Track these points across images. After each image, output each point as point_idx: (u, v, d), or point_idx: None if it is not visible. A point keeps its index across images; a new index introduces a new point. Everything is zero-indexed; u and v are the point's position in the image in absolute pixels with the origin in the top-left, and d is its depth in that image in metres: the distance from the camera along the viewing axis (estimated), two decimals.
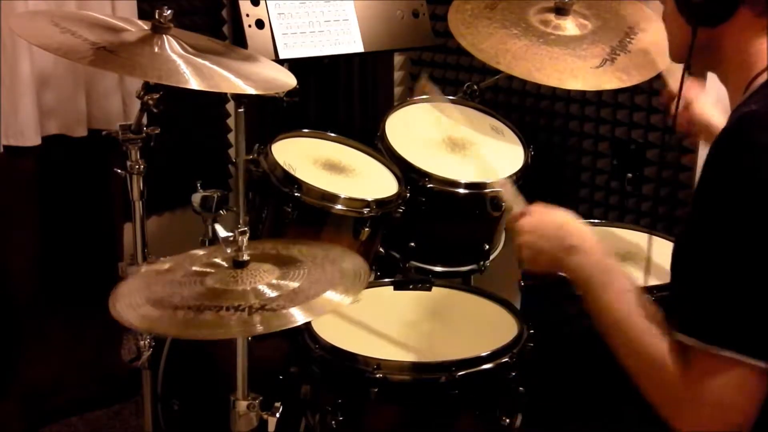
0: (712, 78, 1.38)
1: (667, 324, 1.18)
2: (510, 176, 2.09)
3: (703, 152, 2.39)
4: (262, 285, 1.46)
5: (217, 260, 1.56)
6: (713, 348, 1.08)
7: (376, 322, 1.90)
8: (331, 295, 1.45)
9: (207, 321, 1.37)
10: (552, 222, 1.44)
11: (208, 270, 1.53)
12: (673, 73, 1.93)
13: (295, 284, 1.47)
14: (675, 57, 1.36)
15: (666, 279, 1.84)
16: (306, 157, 2.10)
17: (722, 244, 1.08)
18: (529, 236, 1.43)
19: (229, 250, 1.50)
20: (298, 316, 1.39)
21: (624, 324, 1.22)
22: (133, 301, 1.46)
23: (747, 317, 1.07)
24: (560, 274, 1.40)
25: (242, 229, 1.47)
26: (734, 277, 1.07)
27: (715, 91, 1.80)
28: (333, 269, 1.55)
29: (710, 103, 1.84)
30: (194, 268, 1.56)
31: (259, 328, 1.37)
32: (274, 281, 1.47)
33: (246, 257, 1.49)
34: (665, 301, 1.85)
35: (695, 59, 1.28)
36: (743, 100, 1.20)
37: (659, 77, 2.03)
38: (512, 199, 1.60)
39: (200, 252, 1.70)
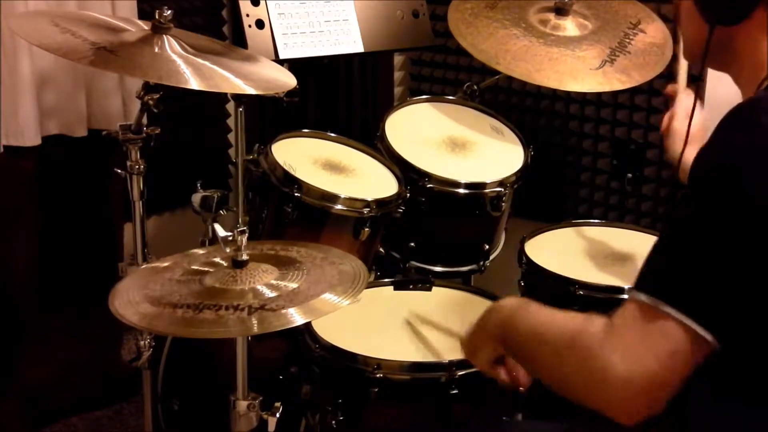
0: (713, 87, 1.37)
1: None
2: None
3: None
4: (261, 285, 1.46)
5: (217, 260, 1.56)
6: (658, 302, 1.04)
7: (376, 322, 1.90)
8: (330, 297, 1.45)
9: (206, 320, 1.38)
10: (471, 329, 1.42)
11: (207, 269, 1.53)
12: (682, 68, 1.92)
13: (294, 285, 1.47)
14: (689, 56, 1.36)
15: None
16: (306, 157, 2.10)
17: (707, 215, 1.06)
18: (464, 339, 1.42)
19: (228, 250, 1.50)
20: (297, 317, 1.39)
21: (542, 325, 1.19)
22: (132, 299, 1.46)
23: (705, 286, 1.04)
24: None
25: (241, 229, 1.47)
26: (707, 248, 1.05)
27: (707, 116, 1.81)
28: (332, 270, 1.55)
29: (697, 124, 1.83)
30: (193, 267, 1.56)
31: (258, 328, 1.37)
32: (273, 281, 1.47)
33: (245, 257, 1.49)
34: None
35: (710, 58, 1.28)
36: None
37: (671, 66, 2.02)
38: None
39: (199, 251, 1.70)
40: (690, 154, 1.74)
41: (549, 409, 1.47)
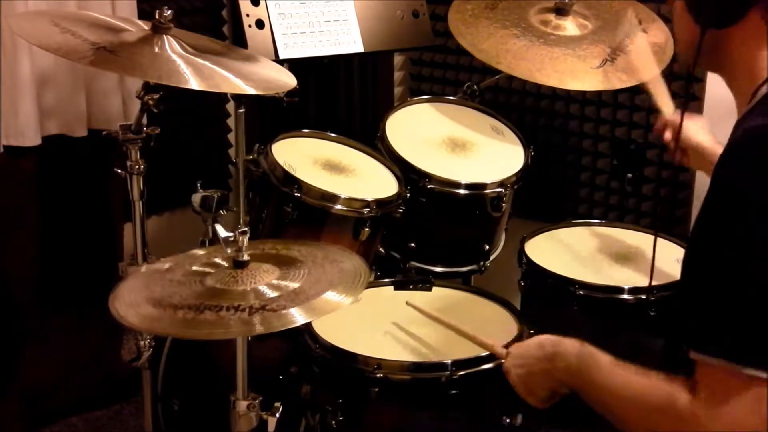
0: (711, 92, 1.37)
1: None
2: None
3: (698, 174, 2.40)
4: (262, 285, 1.46)
5: (217, 260, 1.56)
6: (736, 366, 1.06)
7: (376, 322, 1.90)
8: (331, 296, 1.45)
9: (207, 321, 1.37)
10: (530, 346, 1.47)
11: (208, 270, 1.53)
12: (657, 85, 1.93)
13: (295, 285, 1.47)
14: (683, 58, 1.36)
15: (666, 280, 1.85)
16: (306, 157, 2.10)
17: (735, 262, 1.06)
18: (518, 369, 1.45)
19: (229, 250, 1.50)
20: (298, 317, 1.39)
21: (623, 388, 1.21)
22: (133, 301, 1.46)
23: (762, 332, 1.05)
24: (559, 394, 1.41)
25: (242, 229, 1.47)
26: (748, 294, 1.05)
27: (708, 116, 1.81)
28: (333, 269, 1.55)
29: (700, 126, 1.84)
30: (194, 268, 1.56)
31: (259, 329, 1.37)
32: (274, 281, 1.47)
33: (246, 257, 1.49)
34: (666, 301, 1.86)
35: (702, 59, 1.28)
36: (748, 110, 1.19)
37: (642, 89, 2.03)
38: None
39: (200, 252, 1.70)
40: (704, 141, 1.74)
41: (548, 412, 1.47)
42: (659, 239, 2.18)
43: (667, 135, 1.86)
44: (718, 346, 1.08)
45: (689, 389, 1.12)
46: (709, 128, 1.83)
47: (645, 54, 1.97)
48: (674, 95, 1.97)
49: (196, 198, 2.11)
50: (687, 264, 1.15)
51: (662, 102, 1.90)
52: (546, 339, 1.43)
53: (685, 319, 1.13)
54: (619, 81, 2.12)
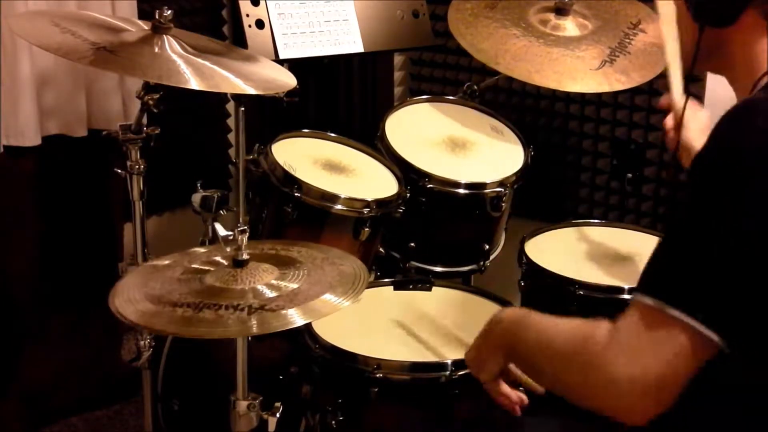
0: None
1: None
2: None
3: None
4: (261, 285, 1.46)
5: (217, 258, 1.56)
6: (665, 306, 1.04)
7: (376, 322, 1.90)
8: (330, 297, 1.45)
9: (206, 319, 1.37)
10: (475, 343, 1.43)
11: (207, 268, 1.53)
12: (675, 63, 1.91)
13: (294, 285, 1.47)
14: (683, 56, 1.36)
15: None
16: (306, 157, 2.10)
17: (707, 215, 1.06)
18: (470, 349, 1.42)
19: (228, 249, 1.50)
20: (296, 318, 1.39)
21: (547, 332, 1.20)
22: (132, 297, 1.46)
23: (708, 286, 1.04)
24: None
25: (242, 228, 1.47)
26: (711, 248, 1.05)
27: (706, 116, 1.81)
28: (332, 271, 1.55)
29: (698, 129, 1.83)
30: (194, 266, 1.56)
31: (258, 329, 1.37)
32: (274, 281, 1.47)
33: (245, 256, 1.49)
34: None
35: (703, 60, 1.28)
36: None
37: (663, 75, 2.02)
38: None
39: (200, 250, 1.70)
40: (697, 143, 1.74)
41: (543, 405, 1.47)
42: (659, 239, 2.19)
43: (669, 122, 1.84)
44: (653, 286, 1.08)
45: (611, 324, 1.10)
46: (709, 127, 1.82)
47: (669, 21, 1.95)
48: None
49: (196, 198, 2.11)
50: (667, 222, 1.15)
51: (674, 82, 1.89)
52: (492, 315, 1.41)
53: (644, 270, 1.12)
54: (618, 83, 2.12)
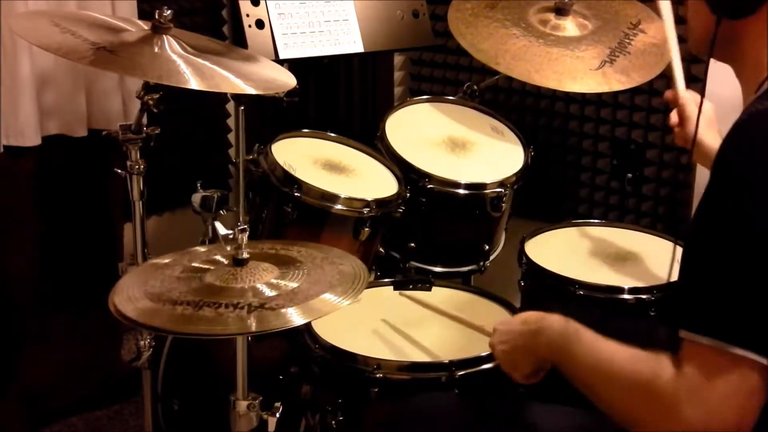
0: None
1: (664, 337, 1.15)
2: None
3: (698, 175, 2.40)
4: (261, 284, 1.46)
5: (217, 257, 1.56)
6: (724, 345, 1.04)
7: (376, 322, 1.90)
8: (330, 297, 1.45)
9: (205, 317, 1.37)
10: (514, 322, 1.46)
11: (207, 267, 1.53)
12: (677, 58, 1.91)
13: (294, 284, 1.47)
14: (695, 48, 1.36)
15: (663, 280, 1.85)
16: (306, 157, 2.11)
17: (735, 241, 1.06)
18: (503, 345, 1.45)
19: (228, 248, 1.50)
20: (295, 317, 1.39)
21: (605, 362, 1.19)
22: (132, 295, 1.46)
23: (755, 314, 1.04)
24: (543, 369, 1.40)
25: (242, 227, 1.47)
26: (745, 273, 1.05)
27: (711, 108, 1.80)
28: (332, 271, 1.55)
29: (704, 122, 1.83)
30: (194, 265, 1.56)
31: (257, 327, 1.37)
32: (273, 281, 1.47)
33: (245, 255, 1.49)
34: (665, 300, 1.85)
35: (714, 50, 1.28)
36: (754, 99, 1.20)
37: (665, 73, 2.01)
38: None
39: (200, 249, 1.70)
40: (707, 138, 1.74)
41: (547, 391, 1.47)
42: (659, 239, 2.19)
43: (674, 118, 1.84)
44: (707, 325, 1.07)
45: (674, 365, 1.09)
46: (715, 120, 1.82)
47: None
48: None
49: (196, 198, 2.11)
50: (686, 246, 1.15)
51: (677, 76, 1.89)
52: (530, 315, 1.42)
53: (679, 300, 1.12)
54: (618, 83, 2.12)
